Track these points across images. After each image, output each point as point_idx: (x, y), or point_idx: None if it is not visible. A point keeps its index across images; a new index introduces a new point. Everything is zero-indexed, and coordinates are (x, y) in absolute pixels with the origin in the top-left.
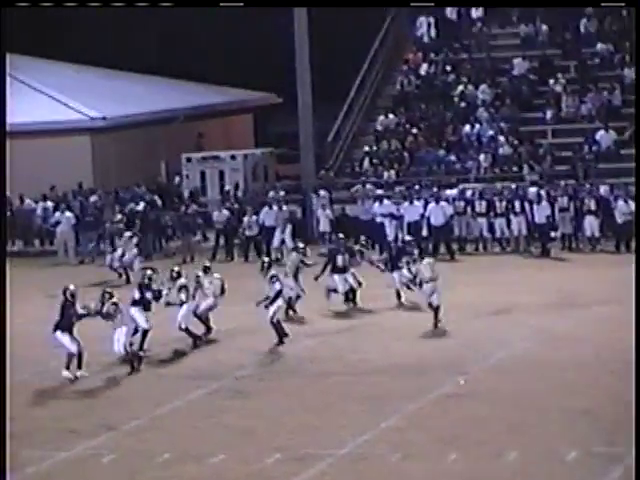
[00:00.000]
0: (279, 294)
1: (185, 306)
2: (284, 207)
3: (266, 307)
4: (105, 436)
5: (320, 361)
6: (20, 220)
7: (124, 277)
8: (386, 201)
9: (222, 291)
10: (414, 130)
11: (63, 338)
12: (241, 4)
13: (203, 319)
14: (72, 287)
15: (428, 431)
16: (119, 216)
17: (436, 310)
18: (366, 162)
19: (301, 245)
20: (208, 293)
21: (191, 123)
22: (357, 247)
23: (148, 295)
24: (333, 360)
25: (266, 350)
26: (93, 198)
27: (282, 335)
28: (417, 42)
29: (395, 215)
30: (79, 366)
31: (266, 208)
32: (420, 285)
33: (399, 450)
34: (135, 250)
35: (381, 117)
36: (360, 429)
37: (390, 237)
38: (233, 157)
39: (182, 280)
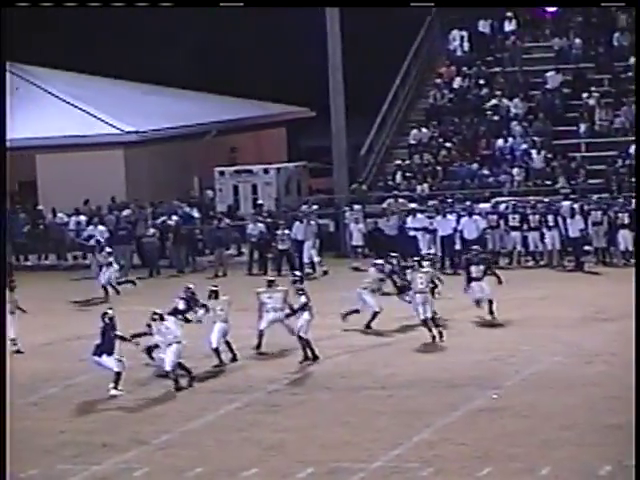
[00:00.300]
0: (304, 307)
1: (219, 326)
2: (312, 222)
3: (287, 316)
4: (137, 450)
5: (351, 375)
6: (53, 234)
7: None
8: (419, 215)
9: None
10: (447, 144)
11: (108, 361)
12: (241, 4)
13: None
14: (110, 312)
15: (460, 446)
16: (152, 230)
17: (425, 322)
18: (399, 176)
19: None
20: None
21: (224, 137)
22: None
23: (193, 308)
24: (364, 374)
25: (297, 364)
26: (126, 212)
27: (310, 351)
28: (450, 56)
29: (428, 229)
30: (116, 384)
31: (298, 222)
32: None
33: (431, 465)
34: (115, 266)
35: (414, 131)
36: (391, 443)
37: (424, 251)
38: (266, 171)
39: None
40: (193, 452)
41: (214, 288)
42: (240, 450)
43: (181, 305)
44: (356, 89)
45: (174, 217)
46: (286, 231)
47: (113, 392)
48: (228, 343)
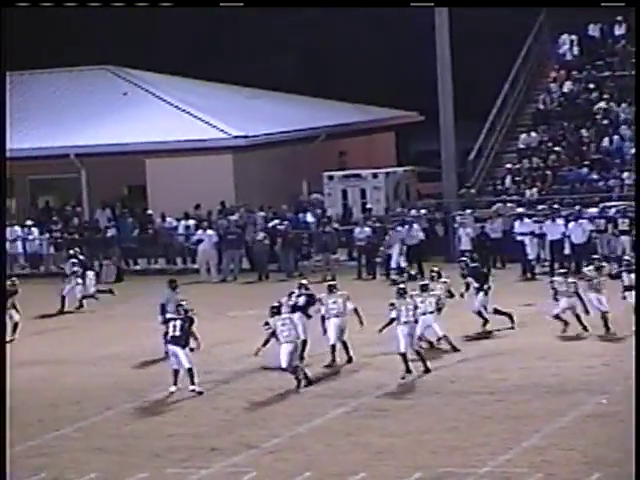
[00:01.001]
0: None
1: (335, 321)
2: (399, 227)
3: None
4: (245, 454)
5: (460, 380)
6: (162, 238)
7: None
8: (526, 219)
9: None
10: (556, 148)
11: (180, 353)
12: (241, 4)
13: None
14: (186, 304)
15: (569, 451)
16: (261, 234)
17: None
18: (508, 180)
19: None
20: (333, 313)
21: (333, 141)
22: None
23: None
24: (473, 379)
25: (405, 368)
26: (235, 216)
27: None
28: (560, 60)
29: (536, 233)
30: (192, 382)
31: (407, 226)
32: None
33: (540, 470)
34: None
35: (523, 135)
36: (500, 448)
37: (531, 256)
38: (375, 175)
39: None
40: (301, 456)
41: (332, 282)
42: (348, 455)
43: (301, 301)
44: (465, 93)
45: (283, 221)
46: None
47: (191, 388)
48: (345, 344)
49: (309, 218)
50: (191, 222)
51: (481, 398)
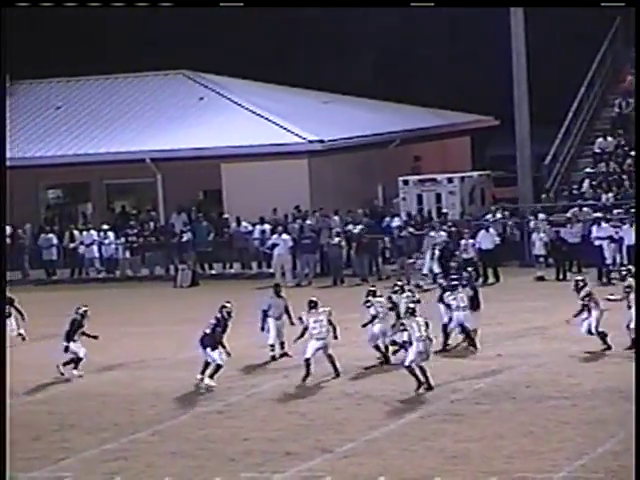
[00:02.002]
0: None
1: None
2: (432, 233)
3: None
4: (320, 459)
5: (536, 385)
6: (237, 242)
7: None
8: (604, 224)
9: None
10: (632, 152)
11: (213, 354)
12: (241, 4)
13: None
14: (229, 305)
15: None
16: (336, 239)
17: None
18: (585, 184)
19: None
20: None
21: (408, 146)
22: None
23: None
24: (549, 384)
25: (480, 373)
26: (310, 221)
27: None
28: (635, 64)
29: (614, 238)
30: (212, 375)
31: (483, 231)
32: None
33: (616, 475)
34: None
35: (599, 139)
36: (576, 453)
37: (608, 260)
38: (450, 180)
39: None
40: (376, 461)
41: (399, 283)
42: (423, 459)
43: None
44: (540, 98)
45: (358, 226)
46: (470, 240)
47: (206, 381)
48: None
49: (394, 223)
50: (266, 226)
51: (557, 403)
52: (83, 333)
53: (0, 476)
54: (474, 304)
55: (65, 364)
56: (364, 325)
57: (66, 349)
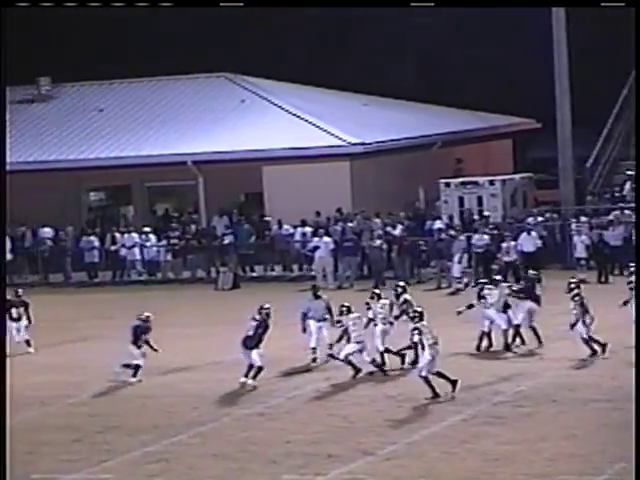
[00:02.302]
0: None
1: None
2: (461, 237)
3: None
4: (362, 461)
5: (578, 388)
6: (279, 245)
7: None
8: None
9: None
10: None
11: (253, 354)
12: (241, 4)
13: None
14: (267, 305)
15: None
16: (378, 241)
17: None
18: (627, 186)
19: None
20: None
21: (449, 148)
22: None
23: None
24: (591, 387)
25: (521, 376)
26: (352, 223)
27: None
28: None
29: None
30: (255, 377)
31: (524, 234)
32: None
33: None
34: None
35: None
36: (617, 456)
37: None
38: (492, 182)
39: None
40: (418, 463)
41: (376, 291)
42: (465, 462)
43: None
44: (582, 99)
45: (399, 228)
46: (512, 243)
47: (249, 382)
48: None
49: (436, 225)
50: (308, 229)
51: (599, 406)
52: (147, 342)
53: (0, 476)
54: (532, 297)
55: (125, 366)
56: (365, 326)
57: (136, 354)
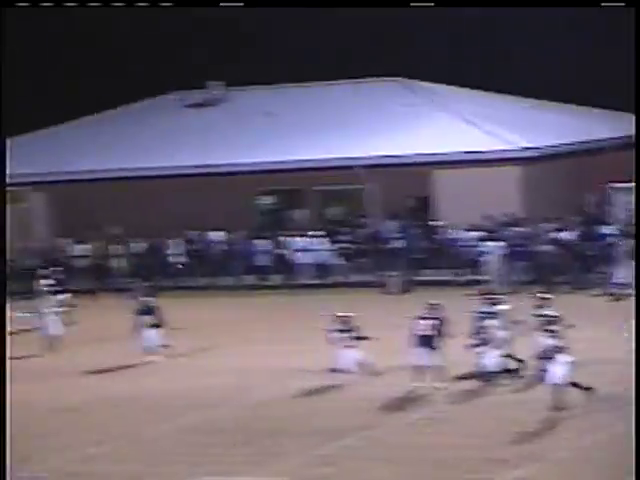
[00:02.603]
0: None
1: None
2: (624, 242)
3: None
4: (532, 466)
5: None
6: (448, 249)
7: None
8: None
9: None
10: None
11: (431, 354)
12: (241, 4)
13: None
14: (439, 304)
15: None
16: (547, 246)
17: None
18: None
19: None
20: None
21: (619, 153)
22: None
23: None
24: None
25: None
26: (522, 228)
27: None
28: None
29: None
30: (439, 378)
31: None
32: None
33: None
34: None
35: None
36: None
37: None
38: None
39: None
40: (590, 468)
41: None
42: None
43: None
44: None
45: (569, 233)
46: None
47: (436, 385)
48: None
49: (605, 230)
50: (478, 233)
51: None
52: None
53: (0, 476)
54: None
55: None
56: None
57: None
